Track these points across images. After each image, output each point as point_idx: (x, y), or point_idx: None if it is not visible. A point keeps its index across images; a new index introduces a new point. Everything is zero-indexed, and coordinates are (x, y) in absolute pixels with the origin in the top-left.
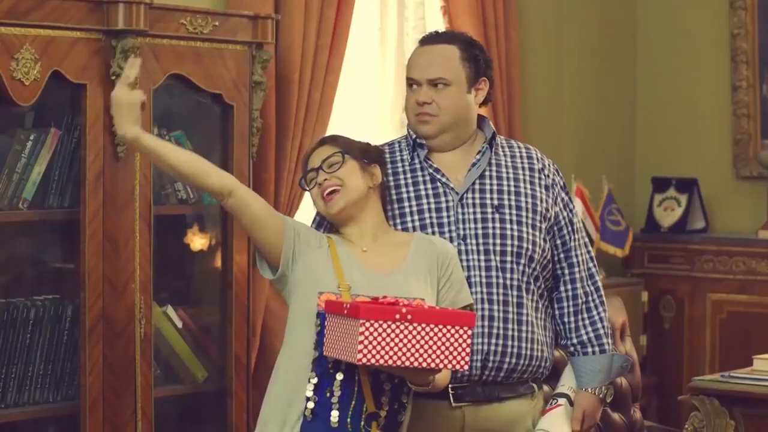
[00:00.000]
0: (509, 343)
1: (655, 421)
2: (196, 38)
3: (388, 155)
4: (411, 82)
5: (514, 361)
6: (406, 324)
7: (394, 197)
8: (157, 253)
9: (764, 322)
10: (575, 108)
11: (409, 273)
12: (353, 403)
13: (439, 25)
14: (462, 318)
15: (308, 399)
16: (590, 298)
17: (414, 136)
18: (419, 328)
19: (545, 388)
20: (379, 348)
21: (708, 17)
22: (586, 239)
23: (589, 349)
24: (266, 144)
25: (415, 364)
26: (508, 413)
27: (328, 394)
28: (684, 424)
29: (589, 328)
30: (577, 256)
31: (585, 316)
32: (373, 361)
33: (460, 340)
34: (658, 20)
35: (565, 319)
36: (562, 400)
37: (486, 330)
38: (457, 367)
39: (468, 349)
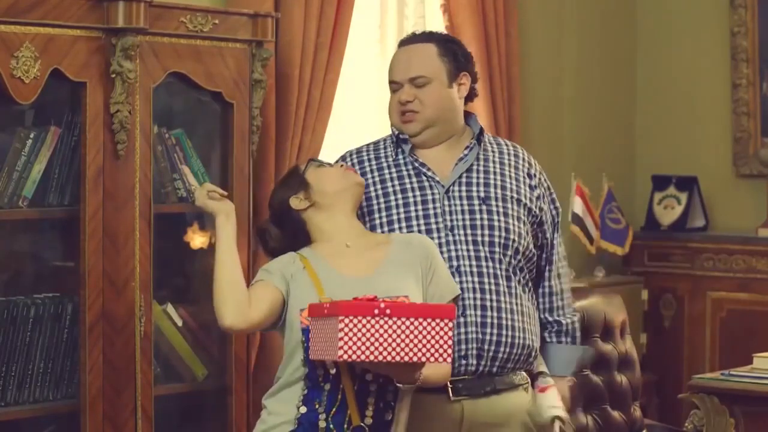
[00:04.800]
0: (503, 332)
1: (655, 420)
2: (196, 36)
3: (372, 153)
4: (393, 85)
5: (508, 350)
6: (386, 319)
7: (380, 192)
8: (157, 251)
9: (764, 321)
10: (575, 106)
11: (389, 273)
12: (334, 410)
13: (439, 22)
14: (442, 311)
15: (297, 408)
16: (566, 295)
17: (397, 133)
18: (399, 323)
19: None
20: (359, 344)
21: (708, 15)
22: (561, 239)
23: (564, 339)
24: (266, 142)
25: (397, 358)
26: (505, 405)
27: (316, 405)
28: (684, 423)
29: (567, 320)
30: (556, 254)
31: (562, 312)
32: (354, 357)
33: (441, 333)
34: (658, 18)
35: (542, 315)
36: (550, 380)
37: (479, 319)
38: (440, 360)
39: (450, 342)
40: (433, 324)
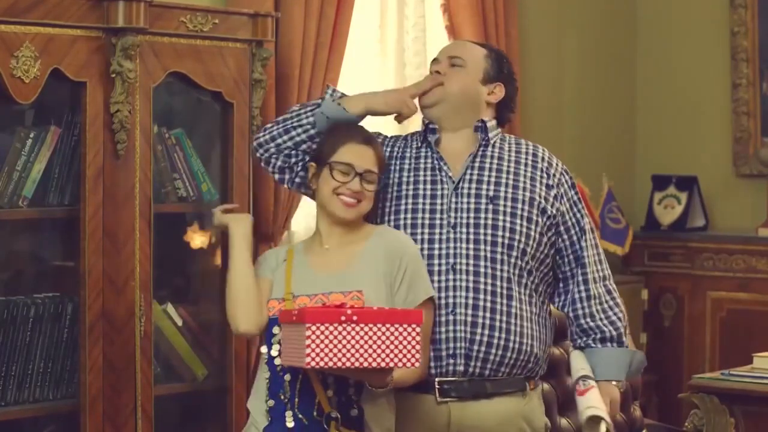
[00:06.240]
0: (496, 334)
1: (655, 419)
2: (196, 36)
3: (402, 142)
4: (433, 65)
5: (500, 353)
6: (353, 325)
7: (395, 181)
8: (157, 251)
9: (764, 320)
10: (575, 106)
11: (357, 269)
12: (297, 400)
13: (439, 22)
14: (409, 316)
15: (266, 402)
16: (606, 299)
17: (427, 122)
18: (366, 329)
19: (545, 386)
20: (327, 351)
21: (708, 15)
22: (597, 241)
23: (609, 345)
24: None
25: (365, 364)
26: (497, 411)
27: (281, 396)
28: (684, 422)
29: (610, 327)
30: (588, 257)
31: (602, 316)
32: (321, 364)
33: (409, 338)
34: (659, 18)
35: (582, 321)
36: (592, 382)
37: (470, 318)
38: (408, 365)
39: (418, 347)
40: (401, 329)
